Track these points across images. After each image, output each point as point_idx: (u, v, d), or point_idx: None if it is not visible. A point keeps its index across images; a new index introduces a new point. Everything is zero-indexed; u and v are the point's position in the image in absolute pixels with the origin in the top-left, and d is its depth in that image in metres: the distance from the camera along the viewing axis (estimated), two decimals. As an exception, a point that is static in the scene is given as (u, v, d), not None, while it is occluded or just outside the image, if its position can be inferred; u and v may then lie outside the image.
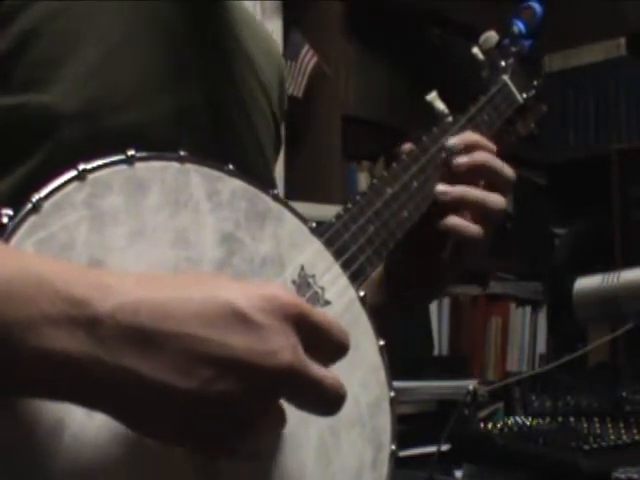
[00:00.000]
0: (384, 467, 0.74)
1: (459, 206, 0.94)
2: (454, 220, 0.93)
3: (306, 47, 2.48)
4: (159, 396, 0.53)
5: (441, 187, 0.94)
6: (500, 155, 0.99)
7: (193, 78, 0.84)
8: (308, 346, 0.57)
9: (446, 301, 2.81)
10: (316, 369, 0.57)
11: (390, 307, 0.97)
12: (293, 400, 0.58)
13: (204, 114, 0.84)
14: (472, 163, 0.95)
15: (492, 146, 0.98)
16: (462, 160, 0.95)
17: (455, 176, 0.95)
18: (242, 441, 0.57)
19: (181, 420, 0.54)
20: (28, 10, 0.75)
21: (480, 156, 0.96)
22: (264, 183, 0.74)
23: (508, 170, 0.97)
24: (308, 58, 2.48)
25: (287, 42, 2.51)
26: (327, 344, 0.59)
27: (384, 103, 2.72)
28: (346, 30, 2.61)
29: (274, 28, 2.50)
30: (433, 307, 2.71)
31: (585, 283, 1.38)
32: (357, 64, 2.66)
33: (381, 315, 0.80)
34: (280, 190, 2.40)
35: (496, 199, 0.95)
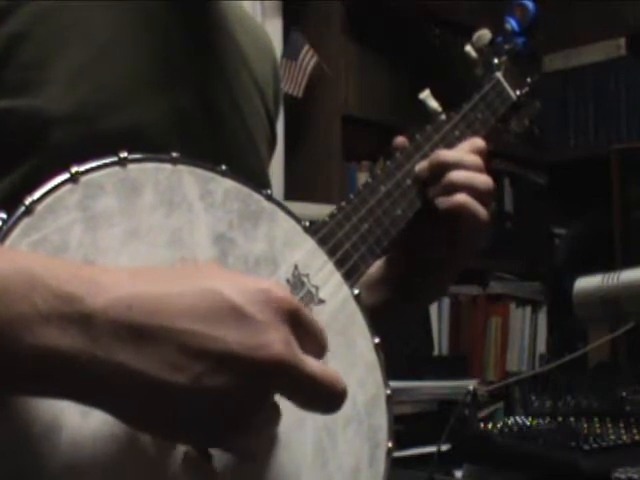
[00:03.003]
0: (381, 465, 0.74)
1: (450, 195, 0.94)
2: (462, 197, 0.92)
3: (306, 47, 2.48)
4: (153, 391, 0.53)
5: (431, 190, 0.95)
6: (492, 153, 0.98)
7: (186, 77, 0.84)
8: (301, 343, 0.57)
9: (446, 301, 2.81)
10: (311, 364, 0.56)
11: (388, 307, 0.97)
12: (290, 396, 0.58)
13: (197, 114, 0.84)
14: (432, 163, 0.95)
15: (465, 159, 0.96)
16: (423, 165, 0.95)
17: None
18: (237, 436, 0.57)
19: (175, 415, 0.54)
20: (16, 13, 0.75)
21: (440, 155, 0.95)
22: (258, 183, 0.74)
23: (472, 158, 0.96)
24: (308, 58, 2.48)
25: (287, 42, 2.52)
26: (314, 343, 0.59)
27: (384, 103, 2.72)
28: (346, 30, 2.62)
29: (274, 28, 2.50)
30: (433, 307, 2.71)
31: (585, 283, 1.38)
32: (357, 64, 2.67)
33: (379, 314, 0.80)
34: (280, 190, 2.40)
35: (482, 177, 0.94)
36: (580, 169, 2.87)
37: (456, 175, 0.93)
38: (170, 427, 0.55)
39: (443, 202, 0.94)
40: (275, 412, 0.59)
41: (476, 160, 0.95)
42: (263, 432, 0.62)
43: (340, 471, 0.70)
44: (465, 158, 0.95)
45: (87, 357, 0.51)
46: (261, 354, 0.54)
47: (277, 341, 0.54)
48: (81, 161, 0.62)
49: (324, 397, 0.58)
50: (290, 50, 2.49)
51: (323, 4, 2.59)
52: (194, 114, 0.83)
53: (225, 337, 0.53)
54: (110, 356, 0.52)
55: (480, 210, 0.93)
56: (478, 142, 0.99)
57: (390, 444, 0.75)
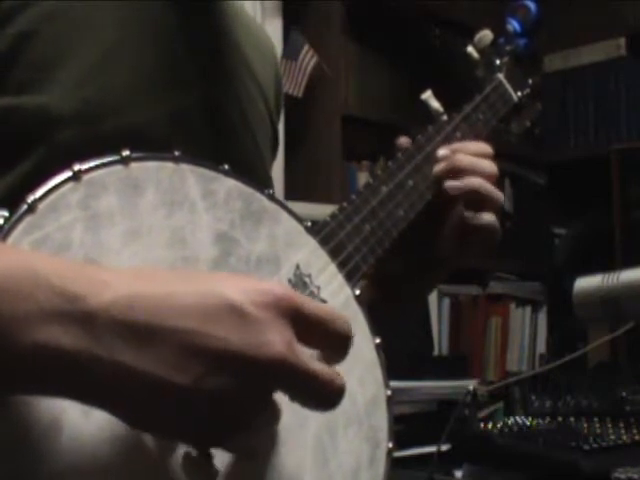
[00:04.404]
0: (381, 465, 0.74)
1: (468, 198, 0.97)
2: (488, 217, 0.97)
3: (306, 47, 2.48)
4: (154, 391, 0.53)
5: (450, 182, 0.97)
6: (495, 152, 0.99)
7: (190, 79, 0.84)
8: (307, 340, 0.57)
9: (446, 301, 2.81)
10: (312, 363, 0.56)
11: (379, 304, 0.97)
12: (290, 394, 0.58)
13: (201, 115, 0.84)
14: (450, 167, 0.97)
15: (474, 147, 1.00)
16: (440, 167, 0.98)
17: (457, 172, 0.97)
18: (237, 435, 0.57)
19: (176, 414, 0.54)
20: (26, 11, 0.75)
21: (458, 159, 0.98)
22: (261, 183, 0.74)
23: (487, 164, 0.99)
24: (308, 58, 2.48)
25: (287, 42, 2.51)
26: (327, 336, 0.59)
27: (384, 103, 2.72)
28: (346, 30, 2.62)
29: (274, 28, 2.50)
30: (433, 307, 2.71)
31: (585, 283, 1.38)
32: (357, 64, 2.67)
33: (371, 311, 0.80)
34: (280, 190, 2.40)
35: (498, 193, 0.98)
36: (580, 169, 2.87)
37: (479, 183, 0.97)
38: (171, 426, 0.55)
39: (453, 187, 0.97)
40: (275, 411, 0.59)
41: (493, 169, 0.98)
42: (263, 431, 0.62)
43: (340, 471, 0.70)
44: (482, 164, 0.98)
45: (89, 356, 0.51)
46: (262, 354, 0.54)
47: (278, 340, 0.54)
48: (85, 160, 0.62)
49: (323, 395, 0.58)
50: (290, 50, 2.49)
51: (323, 4, 2.59)
52: (198, 115, 0.83)
53: (226, 337, 0.53)
54: (111, 355, 0.52)
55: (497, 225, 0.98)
56: (489, 149, 1.01)
57: (390, 444, 0.75)
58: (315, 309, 0.58)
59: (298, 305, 0.57)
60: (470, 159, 0.98)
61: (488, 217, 0.97)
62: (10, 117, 0.73)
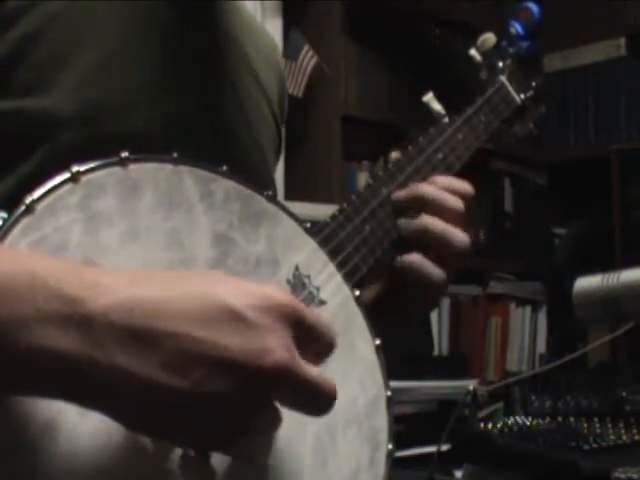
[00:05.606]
0: (381, 467, 0.73)
1: (422, 240, 0.90)
2: (413, 257, 0.89)
3: (306, 47, 2.48)
4: (152, 394, 0.53)
5: (403, 221, 0.91)
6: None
7: (191, 80, 0.84)
8: (300, 345, 0.57)
9: (446, 301, 2.81)
10: (309, 369, 0.57)
11: None
12: (287, 400, 0.58)
13: (203, 117, 0.84)
14: (410, 195, 0.91)
15: (442, 181, 0.93)
16: (400, 194, 0.91)
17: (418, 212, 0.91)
18: (236, 440, 0.57)
19: (174, 418, 0.54)
20: (30, 13, 0.75)
21: (420, 189, 0.91)
22: (262, 184, 0.74)
23: (453, 201, 0.91)
24: (308, 58, 2.48)
25: (287, 42, 2.52)
26: (317, 343, 0.59)
27: (384, 103, 2.72)
28: (346, 30, 2.62)
29: (274, 28, 2.50)
30: (433, 307, 2.71)
31: (585, 283, 1.38)
32: (357, 64, 2.67)
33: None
34: (280, 190, 2.40)
35: (459, 235, 0.90)
36: (580, 169, 2.87)
37: (432, 224, 0.89)
38: (169, 429, 0.55)
39: (401, 225, 0.90)
40: (276, 416, 0.59)
41: (457, 206, 0.90)
42: (263, 436, 0.62)
43: (340, 472, 0.70)
44: (447, 201, 0.90)
45: (86, 359, 0.51)
46: (262, 360, 0.54)
47: (278, 347, 0.55)
48: (85, 161, 0.62)
49: (318, 401, 0.58)
50: (290, 50, 2.49)
51: (323, 4, 2.59)
52: (200, 117, 0.83)
53: (226, 343, 0.53)
54: (110, 359, 0.52)
55: (434, 271, 0.89)
56: (466, 187, 0.93)
57: (390, 446, 0.74)
58: (312, 316, 0.58)
59: (297, 311, 0.57)
60: (434, 192, 0.90)
61: (413, 257, 0.88)
62: (13, 120, 0.73)
